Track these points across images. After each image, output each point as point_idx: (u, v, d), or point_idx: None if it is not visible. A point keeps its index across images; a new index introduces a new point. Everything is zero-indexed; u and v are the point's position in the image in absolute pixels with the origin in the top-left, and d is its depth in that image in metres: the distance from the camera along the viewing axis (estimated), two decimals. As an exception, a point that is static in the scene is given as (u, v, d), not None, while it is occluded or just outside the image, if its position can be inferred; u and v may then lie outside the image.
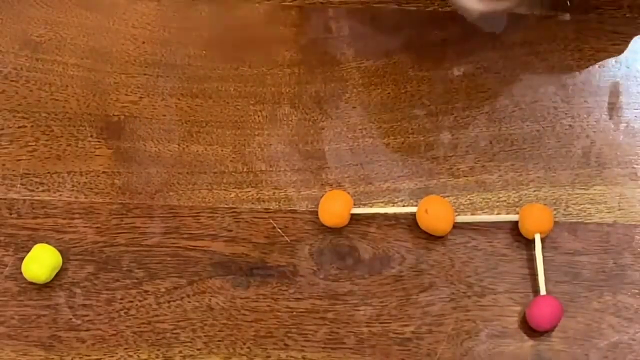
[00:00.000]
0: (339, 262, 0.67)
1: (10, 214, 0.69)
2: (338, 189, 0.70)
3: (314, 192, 0.70)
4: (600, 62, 0.74)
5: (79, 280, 0.67)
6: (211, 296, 0.66)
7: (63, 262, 0.67)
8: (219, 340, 0.65)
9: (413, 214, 0.68)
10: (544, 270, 0.66)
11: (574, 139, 0.71)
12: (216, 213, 0.69)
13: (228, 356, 0.65)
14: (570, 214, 0.69)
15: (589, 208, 0.69)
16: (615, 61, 0.74)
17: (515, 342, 0.65)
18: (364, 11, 0.76)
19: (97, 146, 0.71)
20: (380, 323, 0.65)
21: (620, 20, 0.75)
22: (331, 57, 0.74)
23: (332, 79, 0.73)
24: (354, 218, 0.68)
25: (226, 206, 0.69)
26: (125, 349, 0.65)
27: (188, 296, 0.66)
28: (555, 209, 0.68)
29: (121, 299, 0.66)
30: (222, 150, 0.71)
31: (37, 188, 0.70)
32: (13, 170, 0.70)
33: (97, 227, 0.68)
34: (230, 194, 0.70)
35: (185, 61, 0.75)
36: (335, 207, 0.68)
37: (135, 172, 0.70)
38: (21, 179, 0.70)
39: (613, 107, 0.73)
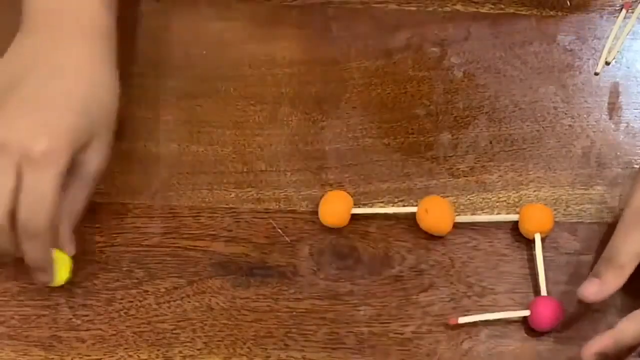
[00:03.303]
0: (339, 262, 0.67)
1: (10, 214, 0.69)
2: (338, 189, 0.69)
3: (314, 192, 0.69)
4: (600, 62, 0.74)
5: (79, 280, 0.67)
6: (211, 296, 0.66)
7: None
8: (219, 340, 0.65)
9: (413, 214, 0.68)
10: (544, 270, 0.66)
11: (574, 139, 0.71)
12: (216, 213, 0.69)
13: (228, 356, 0.65)
14: (570, 214, 0.69)
15: (589, 208, 0.69)
16: (615, 61, 0.74)
17: (515, 342, 0.65)
18: (364, 11, 0.76)
19: (97, 146, 0.71)
20: (380, 323, 0.65)
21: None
22: (331, 57, 0.74)
23: (332, 79, 0.73)
24: (354, 218, 0.68)
25: (226, 206, 0.69)
26: (125, 349, 0.65)
27: (188, 296, 0.66)
28: (555, 209, 0.68)
29: (121, 299, 0.66)
30: (222, 150, 0.71)
31: (37, 188, 0.70)
32: (13, 170, 0.70)
33: (97, 227, 0.68)
34: (230, 194, 0.70)
35: (185, 61, 0.75)
36: (336, 207, 0.68)
37: (135, 172, 0.70)
38: (21, 179, 0.70)
39: (613, 107, 0.73)
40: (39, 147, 0.59)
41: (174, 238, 0.68)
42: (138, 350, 0.65)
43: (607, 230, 0.68)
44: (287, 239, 0.68)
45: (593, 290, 0.63)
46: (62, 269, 0.65)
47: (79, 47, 0.65)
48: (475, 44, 0.75)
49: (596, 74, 0.73)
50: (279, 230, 0.68)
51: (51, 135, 0.60)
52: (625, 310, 0.65)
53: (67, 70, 0.63)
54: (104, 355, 0.65)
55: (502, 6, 0.76)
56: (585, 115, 0.72)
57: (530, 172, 0.70)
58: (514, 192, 0.70)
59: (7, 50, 0.65)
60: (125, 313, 0.66)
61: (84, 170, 0.63)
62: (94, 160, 0.63)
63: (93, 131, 0.63)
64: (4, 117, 0.61)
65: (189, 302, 0.66)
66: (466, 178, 0.70)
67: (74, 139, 0.61)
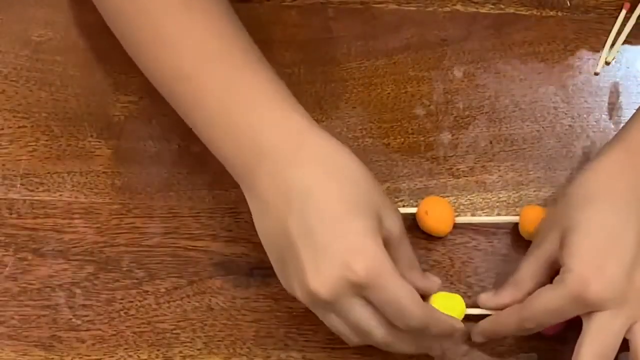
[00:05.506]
0: (339, 262, 0.67)
1: (10, 214, 0.69)
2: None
3: (314, 192, 0.69)
4: (600, 62, 0.74)
5: (79, 280, 0.67)
6: (211, 296, 0.66)
7: (63, 262, 0.67)
8: (219, 340, 0.65)
9: (413, 215, 0.68)
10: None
11: (574, 139, 0.71)
12: (216, 213, 0.69)
13: (228, 356, 0.65)
14: (570, 214, 0.69)
15: (589, 208, 0.69)
16: (615, 61, 0.74)
17: (515, 342, 0.65)
18: (364, 11, 0.76)
19: (97, 146, 0.71)
20: (380, 323, 0.65)
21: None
22: (331, 57, 0.74)
23: (332, 79, 0.73)
24: (354, 218, 0.68)
25: (226, 206, 0.69)
26: (125, 349, 0.65)
27: (188, 296, 0.66)
28: (555, 209, 0.68)
29: (121, 299, 0.66)
30: (222, 150, 0.71)
31: (37, 188, 0.70)
32: (13, 170, 0.70)
33: (97, 227, 0.68)
34: (230, 194, 0.69)
35: (185, 61, 0.74)
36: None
37: (135, 172, 0.70)
38: (21, 179, 0.70)
39: (613, 107, 0.73)
40: (359, 269, 0.55)
41: (174, 238, 0.68)
42: (138, 350, 0.65)
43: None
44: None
45: (487, 297, 0.63)
46: (453, 310, 0.62)
47: (304, 150, 0.59)
48: (475, 44, 0.75)
49: (596, 74, 0.74)
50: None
51: (356, 250, 0.56)
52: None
53: (316, 183, 0.58)
54: (104, 355, 0.65)
55: (502, 6, 0.76)
56: (585, 115, 0.72)
57: (530, 172, 0.70)
58: (514, 192, 0.70)
59: (266, 225, 0.60)
60: (125, 313, 0.66)
61: (392, 238, 0.59)
62: (393, 226, 0.59)
63: (375, 209, 0.58)
64: (304, 271, 0.57)
65: (189, 302, 0.66)
66: (466, 178, 0.70)
67: (374, 234, 0.57)
